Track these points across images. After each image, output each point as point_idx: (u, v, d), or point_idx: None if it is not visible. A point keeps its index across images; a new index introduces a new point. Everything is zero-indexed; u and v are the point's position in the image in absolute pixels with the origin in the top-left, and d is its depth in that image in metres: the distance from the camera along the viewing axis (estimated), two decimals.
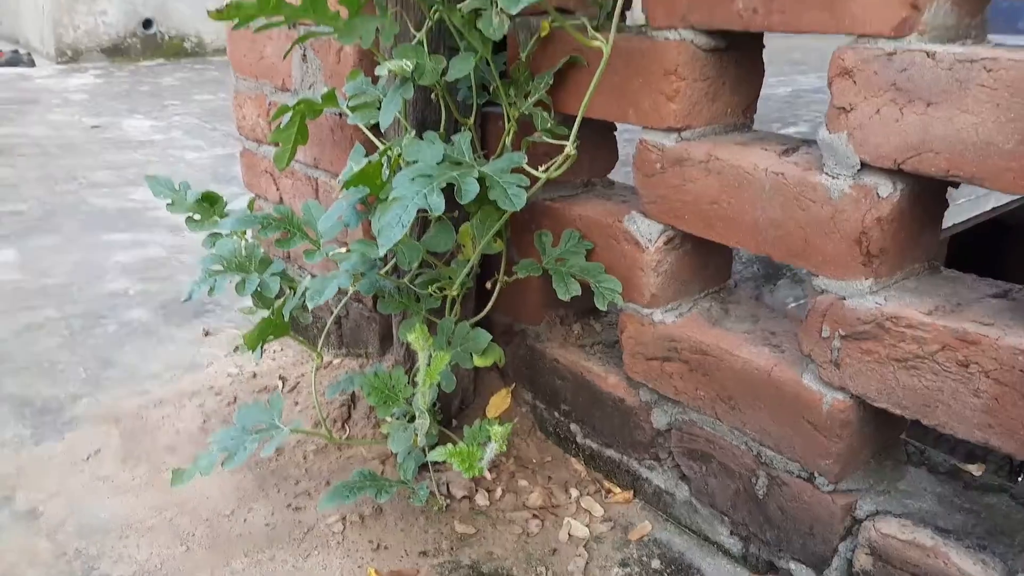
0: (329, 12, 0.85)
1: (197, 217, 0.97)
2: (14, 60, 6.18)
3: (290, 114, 0.98)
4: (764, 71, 0.86)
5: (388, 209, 0.71)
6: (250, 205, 1.06)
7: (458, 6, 0.84)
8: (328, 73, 1.11)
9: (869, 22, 0.63)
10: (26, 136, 3.52)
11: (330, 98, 0.97)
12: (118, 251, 1.99)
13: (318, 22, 0.85)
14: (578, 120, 0.82)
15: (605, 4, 0.90)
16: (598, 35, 0.78)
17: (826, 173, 0.69)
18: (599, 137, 1.03)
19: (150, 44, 6.78)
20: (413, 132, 0.89)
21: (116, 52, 6.62)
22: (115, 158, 3.11)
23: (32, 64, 6.25)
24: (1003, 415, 0.60)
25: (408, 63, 0.81)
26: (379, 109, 0.93)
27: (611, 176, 1.10)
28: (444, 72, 0.87)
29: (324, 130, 1.14)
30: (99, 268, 1.86)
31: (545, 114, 0.91)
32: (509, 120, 0.93)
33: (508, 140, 0.94)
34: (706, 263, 0.92)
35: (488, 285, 0.99)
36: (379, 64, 0.88)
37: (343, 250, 0.82)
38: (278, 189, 1.35)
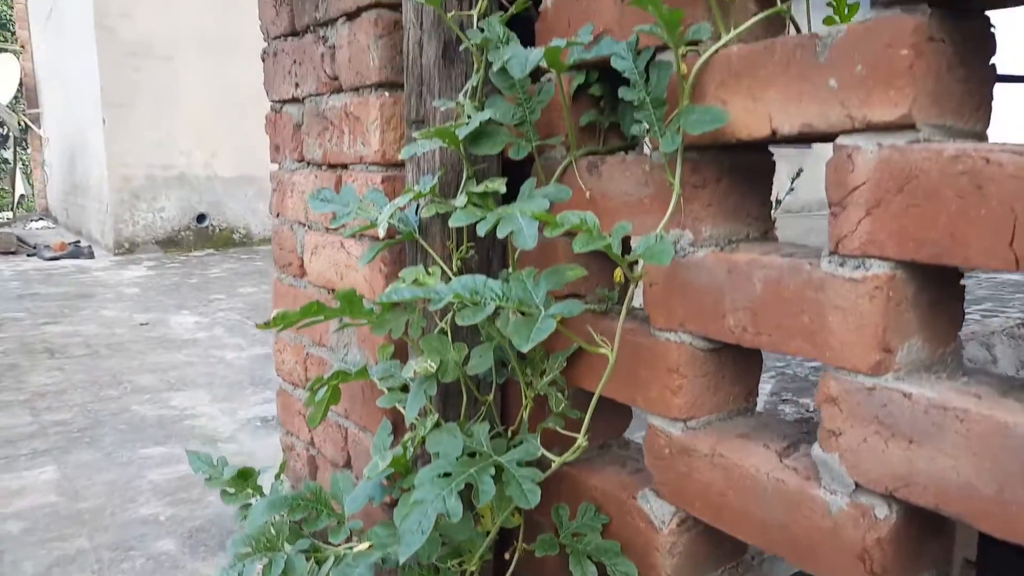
0: (364, 309, 0.94)
1: (231, 491, 1.03)
2: (75, 252, 6.66)
3: (325, 387, 1.06)
4: (762, 363, 0.93)
5: (410, 514, 0.76)
6: (281, 467, 1.12)
7: None
8: (361, 337, 1.21)
9: (847, 358, 0.69)
10: (78, 335, 3.72)
11: (362, 373, 1.06)
12: (153, 468, 2.05)
13: (354, 318, 0.95)
14: (589, 412, 0.88)
15: (611, 297, 1.00)
16: (604, 341, 0.86)
17: (824, 487, 0.72)
18: (613, 403, 1.09)
19: (202, 236, 7.27)
20: (436, 415, 0.96)
21: (170, 244, 7.10)
22: (159, 359, 3.26)
23: (91, 255, 6.72)
24: None
25: (432, 364, 0.89)
26: (405, 391, 1.00)
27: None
28: (466, 360, 0.95)
29: (356, 388, 1.22)
30: (133, 489, 1.91)
31: (559, 395, 0.98)
32: (526, 397, 1.00)
33: (526, 415, 1.00)
34: (721, 541, 0.94)
35: (507, 556, 1.01)
36: (410, 349, 0.96)
37: (365, 546, 0.86)
38: (310, 432, 1.41)
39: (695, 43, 0.78)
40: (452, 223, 0.87)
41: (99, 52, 6.41)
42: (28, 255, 6.84)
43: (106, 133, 6.58)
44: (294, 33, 1.29)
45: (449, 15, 0.98)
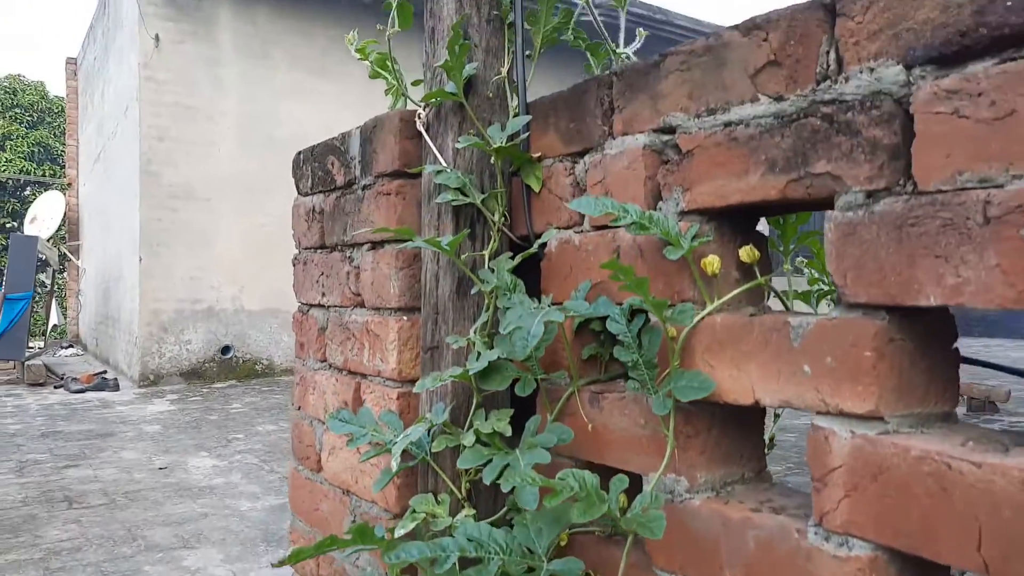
0: (376, 539, 0.98)
1: None
2: (101, 385, 6.78)
3: None
4: None
5: None
6: None
7: None
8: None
9: None
10: (97, 480, 3.75)
11: None
12: None
13: (366, 545, 0.99)
14: None
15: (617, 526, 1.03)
16: None
17: None
18: None
19: (225, 367, 7.39)
20: None
21: (193, 375, 7.22)
22: (174, 510, 3.26)
23: (116, 387, 6.82)
24: None
25: None
26: None
27: None
28: None
29: None
30: None
31: None
32: None
33: None
34: None
35: None
36: None
37: None
38: None
39: None
40: (460, 465, 0.92)
41: (141, 195, 6.81)
42: (56, 386, 6.97)
43: (141, 270, 6.87)
44: (323, 247, 1.41)
45: (462, 256, 1.07)
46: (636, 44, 1.12)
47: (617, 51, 1.12)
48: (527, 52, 1.10)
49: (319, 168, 1.40)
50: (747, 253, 0.84)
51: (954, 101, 0.61)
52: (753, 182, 0.78)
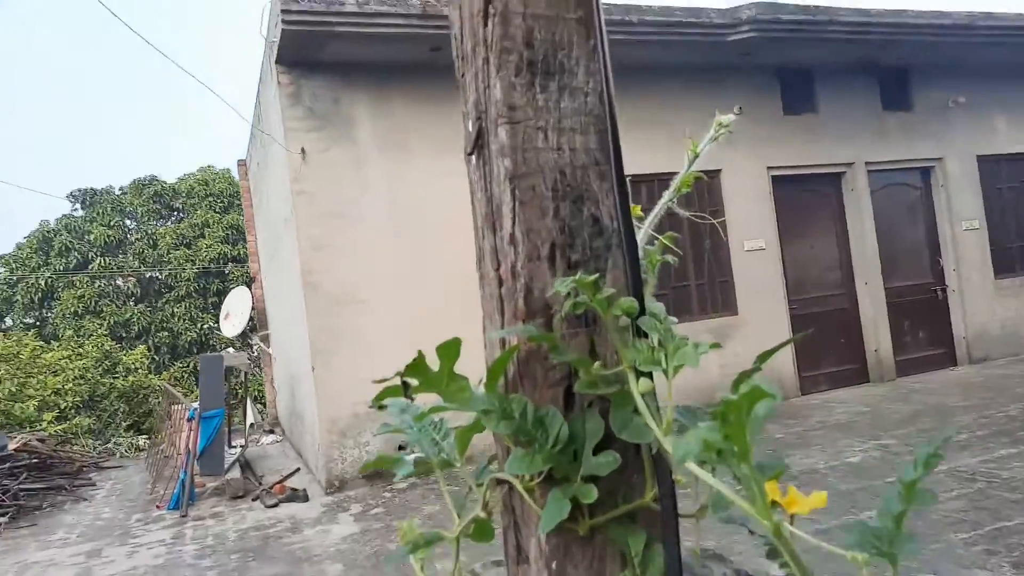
0: None
1: None
2: (291, 497, 6.88)
3: None
4: None
5: None
6: None
7: None
8: None
9: None
10: None
11: None
12: None
13: None
14: None
15: None
16: None
17: None
18: None
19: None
20: None
21: (376, 476, 7.15)
22: None
23: (306, 499, 6.89)
24: None
25: None
26: None
27: None
28: None
29: None
30: None
31: None
32: None
33: None
34: None
35: None
36: None
37: None
38: None
39: None
40: None
41: (307, 307, 6.85)
42: (253, 499, 7.19)
43: (316, 379, 6.92)
44: None
45: None
46: None
47: None
48: None
49: None
50: None
51: None
52: None
